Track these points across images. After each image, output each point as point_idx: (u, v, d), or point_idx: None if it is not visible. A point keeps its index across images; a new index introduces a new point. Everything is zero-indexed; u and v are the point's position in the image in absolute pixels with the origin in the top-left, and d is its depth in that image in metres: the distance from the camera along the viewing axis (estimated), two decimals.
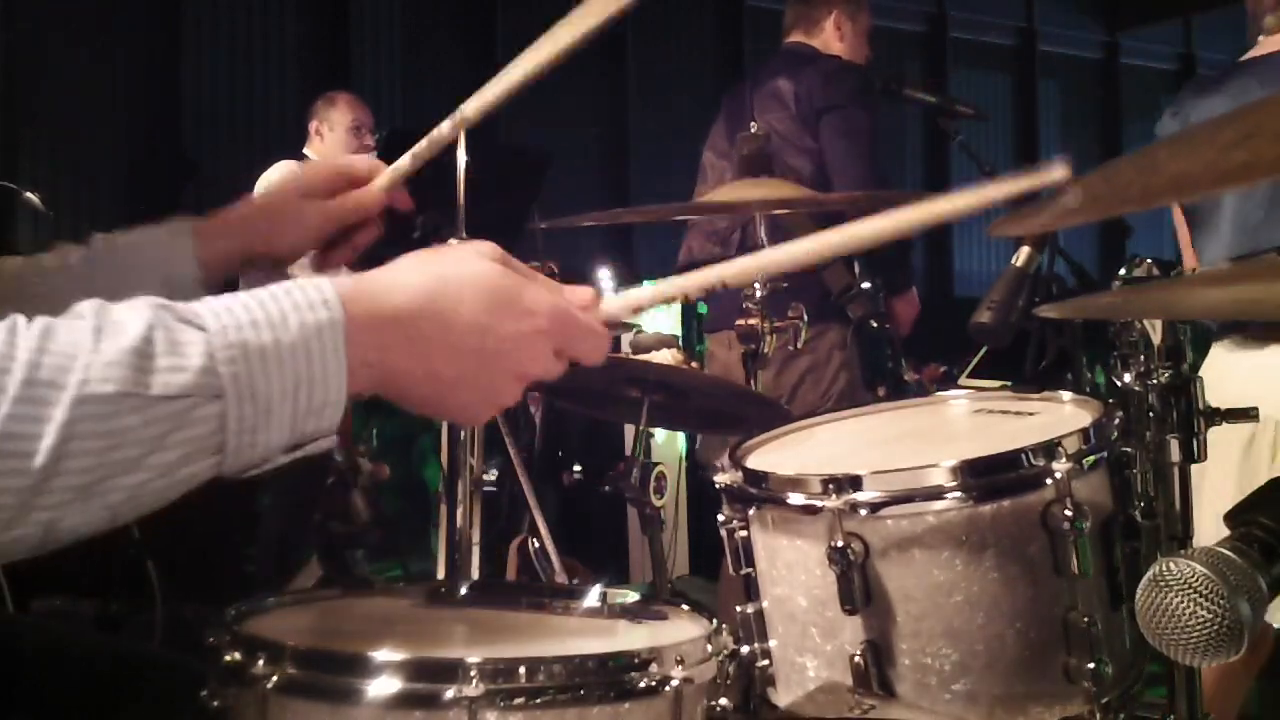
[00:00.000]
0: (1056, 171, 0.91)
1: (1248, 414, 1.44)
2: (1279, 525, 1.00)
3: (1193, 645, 0.95)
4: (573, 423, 5.05)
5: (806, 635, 1.35)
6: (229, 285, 1.09)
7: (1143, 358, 1.39)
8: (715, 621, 1.10)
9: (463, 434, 2.57)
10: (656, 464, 4.08)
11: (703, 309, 4.11)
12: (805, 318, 2.34)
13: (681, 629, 1.14)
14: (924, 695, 1.29)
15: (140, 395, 0.77)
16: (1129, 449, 1.39)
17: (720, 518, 1.45)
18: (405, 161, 1.31)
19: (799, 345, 2.37)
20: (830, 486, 1.28)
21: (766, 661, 1.41)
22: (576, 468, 4.85)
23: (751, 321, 2.28)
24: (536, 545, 3.23)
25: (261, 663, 0.98)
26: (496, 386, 0.94)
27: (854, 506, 1.28)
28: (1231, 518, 1.03)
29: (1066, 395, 1.54)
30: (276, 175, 4.28)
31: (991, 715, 1.28)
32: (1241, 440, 2.24)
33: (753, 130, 2.59)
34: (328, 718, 0.97)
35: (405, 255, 0.94)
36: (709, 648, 1.04)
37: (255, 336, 0.81)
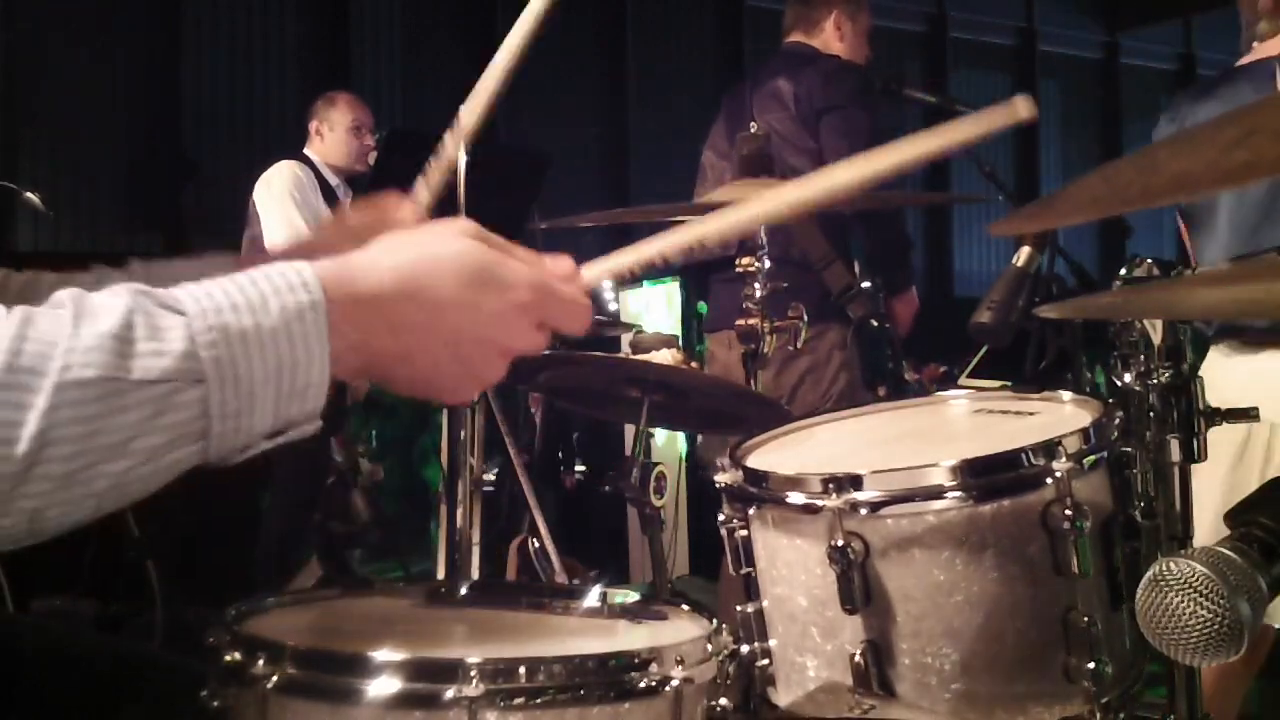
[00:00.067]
0: (1021, 109, 0.90)
1: (1248, 414, 1.44)
2: (1279, 525, 1.00)
3: (1193, 645, 0.95)
4: (573, 423, 5.05)
5: (806, 635, 1.35)
6: None
7: (1143, 358, 1.39)
8: (715, 621, 1.10)
9: (463, 434, 2.57)
10: (656, 464, 4.09)
11: (702, 309, 4.11)
12: (805, 318, 2.34)
13: (681, 629, 1.14)
14: (924, 695, 1.29)
15: (122, 380, 0.77)
16: (1129, 449, 1.39)
17: (720, 517, 1.45)
18: (424, 193, 1.29)
19: (799, 345, 2.37)
20: (830, 486, 1.28)
21: (766, 661, 1.41)
22: (579, 467, 4.85)
23: (751, 321, 2.28)
24: (536, 545, 3.24)
25: (261, 663, 0.98)
26: (481, 364, 0.94)
27: (854, 506, 1.28)
28: (1231, 518, 1.03)
29: (1066, 395, 1.54)
30: (277, 175, 4.28)
31: (991, 715, 1.28)
32: (1235, 443, 2.24)
33: (752, 130, 2.59)
34: (328, 718, 0.97)
35: (384, 236, 0.94)
36: (709, 648, 1.04)
37: (236, 320, 0.81)
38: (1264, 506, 1.03)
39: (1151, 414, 1.38)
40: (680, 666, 1.00)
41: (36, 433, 0.74)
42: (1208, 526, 1.40)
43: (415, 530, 5.14)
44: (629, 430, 3.64)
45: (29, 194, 3.84)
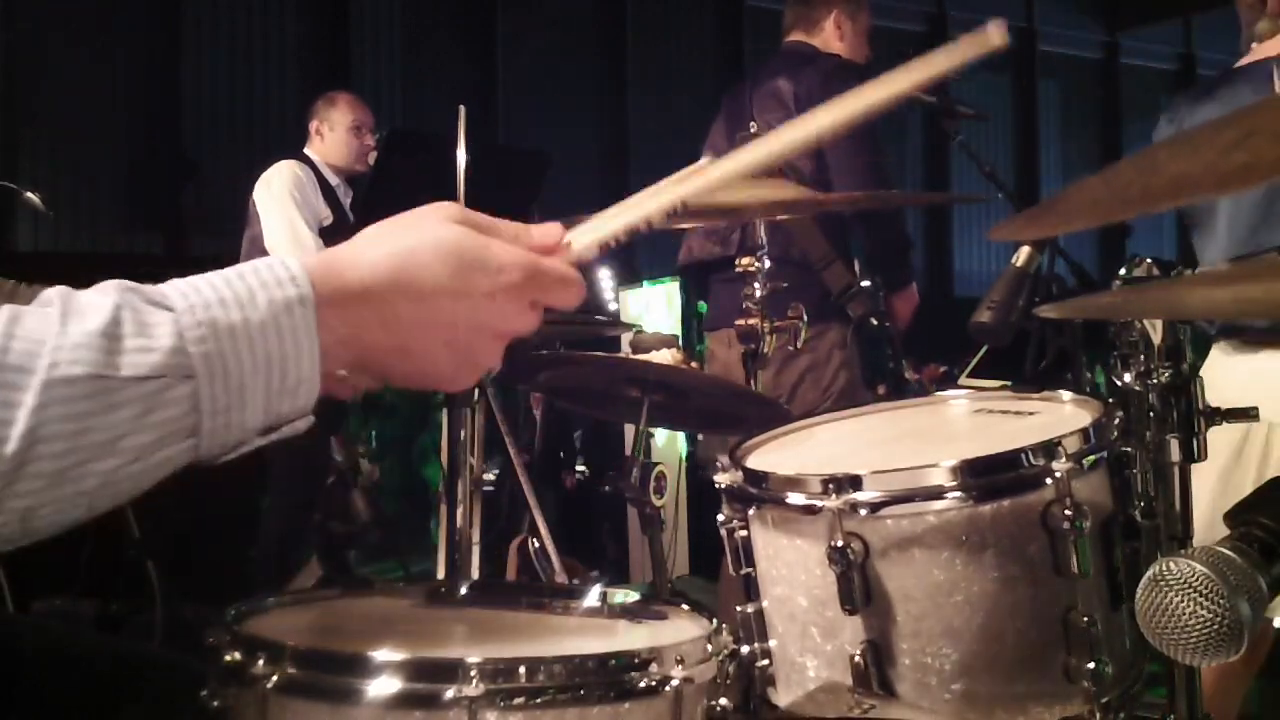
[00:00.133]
0: (994, 36, 0.89)
1: (1248, 414, 1.44)
2: (1279, 525, 1.00)
3: (1193, 645, 0.95)
4: (573, 423, 5.06)
5: (806, 635, 1.35)
6: None
7: (1143, 358, 1.39)
8: (715, 621, 1.10)
9: (462, 434, 2.57)
10: (656, 464, 4.08)
11: (702, 308, 4.11)
12: (805, 317, 2.34)
13: (681, 629, 1.13)
14: (924, 695, 1.29)
15: (110, 377, 0.76)
16: (1129, 449, 1.39)
17: (720, 518, 1.45)
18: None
19: (799, 345, 2.37)
20: (830, 486, 1.28)
21: (766, 661, 1.41)
22: (579, 467, 4.85)
23: (751, 321, 2.28)
24: (536, 545, 3.23)
25: (261, 663, 0.98)
26: (475, 349, 0.92)
27: (854, 506, 1.28)
28: (1231, 518, 1.03)
29: (1066, 395, 1.54)
30: (277, 175, 4.28)
31: (991, 715, 1.28)
32: (1232, 441, 2.24)
33: (752, 130, 2.59)
34: (328, 718, 0.97)
35: (368, 226, 0.93)
36: (709, 648, 1.04)
37: (224, 315, 0.80)
38: (1264, 506, 1.03)
39: (1151, 414, 1.38)
40: (680, 666, 1.00)
41: (26, 430, 0.74)
42: (1202, 522, 1.41)
43: (415, 530, 5.14)
44: (629, 430, 3.64)
45: (29, 194, 3.84)
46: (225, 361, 0.80)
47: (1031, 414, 1.52)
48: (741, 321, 2.29)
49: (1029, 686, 1.28)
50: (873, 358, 3.40)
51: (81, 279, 0.82)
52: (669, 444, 4.89)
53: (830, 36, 3.55)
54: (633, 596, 1.25)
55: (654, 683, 0.99)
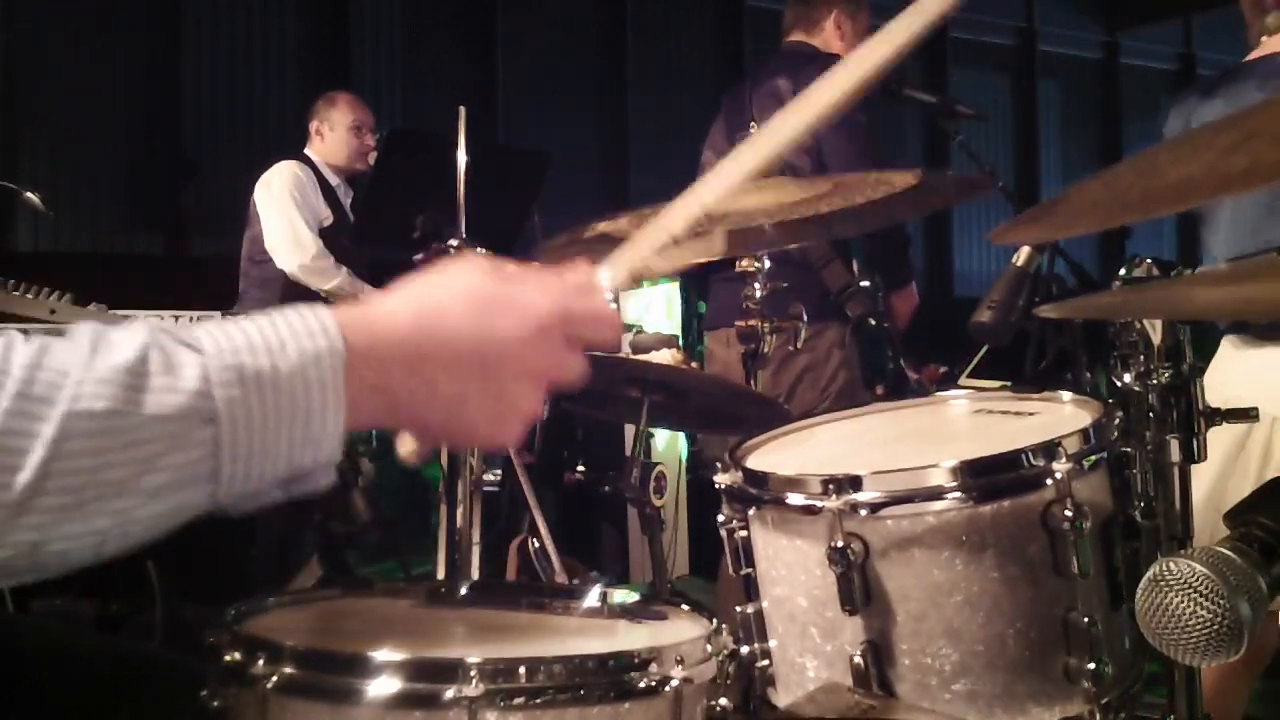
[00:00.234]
0: None
1: (1248, 414, 1.44)
2: (1279, 525, 1.00)
3: (1193, 645, 0.95)
4: (574, 423, 5.05)
5: (806, 635, 1.35)
6: None
7: (1143, 358, 1.39)
8: (715, 621, 1.11)
9: None
10: (656, 464, 4.09)
11: (702, 308, 4.12)
12: (805, 317, 2.34)
13: (681, 629, 1.14)
14: (924, 695, 1.29)
15: (132, 414, 0.75)
16: (1129, 449, 1.39)
17: (720, 518, 1.44)
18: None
19: (798, 345, 2.38)
20: (830, 486, 1.28)
21: (766, 661, 1.41)
22: (580, 467, 4.85)
23: (751, 321, 2.28)
24: (536, 545, 3.24)
25: (261, 663, 0.98)
26: (511, 395, 0.90)
27: (854, 506, 1.27)
28: (1231, 518, 1.03)
29: (1066, 395, 1.54)
30: (277, 176, 4.28)
31: (991, 715, 1.28)
32: (1236, 436, 2.25)
33: (752, 130, 2.59)
34: (328, 718, 0.97)
35: (397, 282, 0.92)
36: (709, 648, 1.05)
37: (253, 361, 0.80)
38: (1264, 506, 1.03)
39: (1151, 414, 1.38)
40: (680, 666, 1.00)
41: (42, 461, 0.73)
42: (1201, 515, 1.41)
43: (415, 530, 5.13)
44: (629, 430, 3.64)
45: (29, 194, 3.83)
46: (249, 408, 0.79)
47: (1031, 414, 1.52)
48: (741, 321, 2.30)
49: (1029, 686, 1.28)
50: (872, 357, 3.40)
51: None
52: (669, 444, 4.88)
53: (830, 37, 3.55)
54: (633, 596, 1.25)
55: (654, 683, 0.99)
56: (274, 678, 0.97)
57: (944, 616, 1.27)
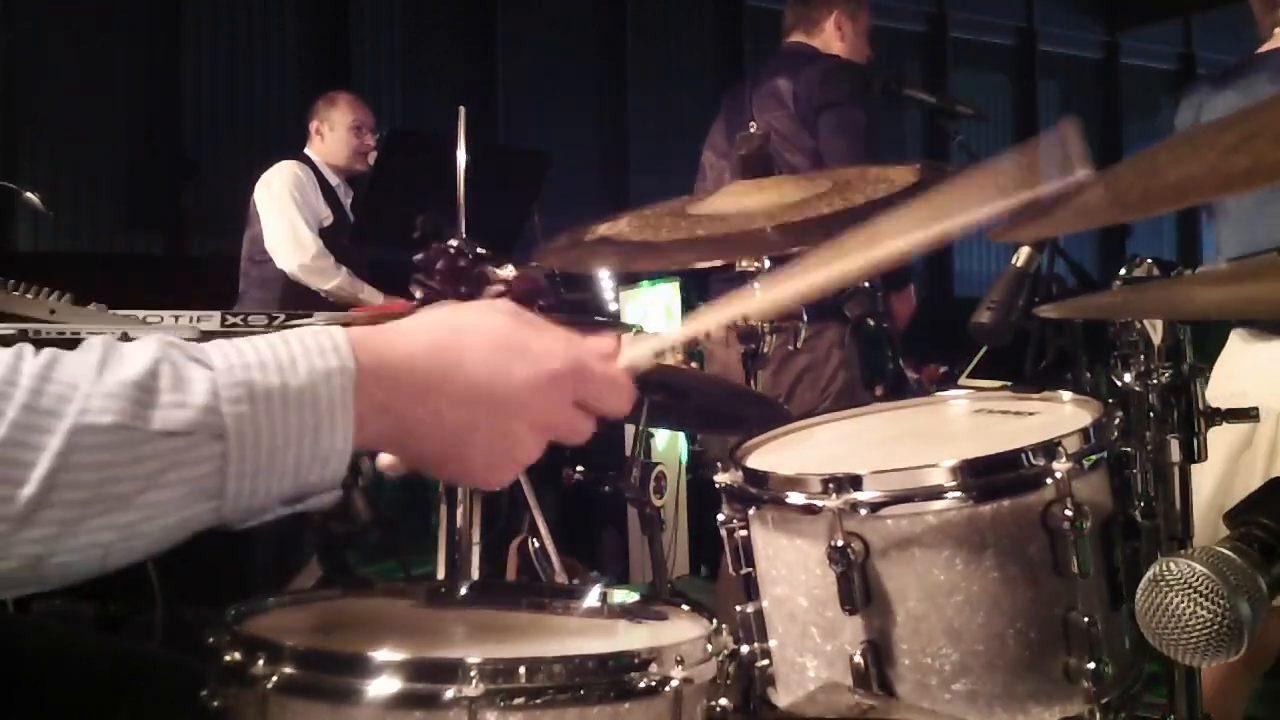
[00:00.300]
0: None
1: (1248, 414, 1.44)
2: (1279, 525, 1.00)
3: (1193, 645, 0.95)
4: None
5: (806, 635, 1.35)
6: None
7: (1143, 358, 1.39)
8: (715, 621, 1.10)
9: None
10: (656, 464, 4.09)
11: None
12: (805, 317, 2.34)
13: (681, 629, 1.13)
14: (924, 695, 1.29)
15: (139, 429, 0.75)
16: (1129, 449, 1.39)
17: (720, 518, 1.44)
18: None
19: (798, 345, 2.37)
20: (830, 486, 1.28)
21: (766, 661, 1.41)
22: (579, 467, 4.84)
23: (751, 321, 2.28)
24: (536, 545, 3.23)
25: (261, 663, 0.98)
26: (514, 438, 0.92)
27: (854, 506, 1.27)
28: (1231, 518, 1.03)
29: (1066, 395, 1.54)
30: (277, 176, 4.28)
31: (991, 715, 1.28)
32: (1242, 433, 2.25)
33: (752, 130, 2.59)
34: (328, 718, 0.97)
35: (418, 311, 0.93)
36: (709, 648, 1.04)
37: (263, 378, 0.80)
38: (1264, 506, 1.03)
39: (1151, 414, 1.38)
40: (680, 666, 1.00)
41: (47, 473, 0.73)
42: (1206, 513, 1.41)
43: (415, 530, 5.13)
44: (629, 430, 3.64)
45: (29, 194, 3.83)
46: (258, 424, 0.79)
47: (1031, 414, 1.52)
48: (741, 321, 2.29)
49: (1029, 686, 1.28)
50: (871, 357, 3.40)
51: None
52: (669, 444, 4.88)
53: (831, 37, 3.55)
54: (633, 596, 1.25)
55: (654, 683, 0.99)
56: (274, 678, 0.97)
57: (944, 616, 1.27)
